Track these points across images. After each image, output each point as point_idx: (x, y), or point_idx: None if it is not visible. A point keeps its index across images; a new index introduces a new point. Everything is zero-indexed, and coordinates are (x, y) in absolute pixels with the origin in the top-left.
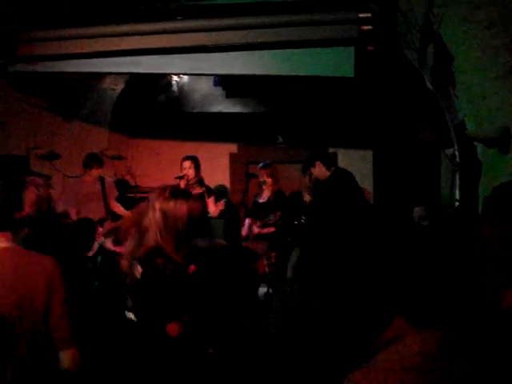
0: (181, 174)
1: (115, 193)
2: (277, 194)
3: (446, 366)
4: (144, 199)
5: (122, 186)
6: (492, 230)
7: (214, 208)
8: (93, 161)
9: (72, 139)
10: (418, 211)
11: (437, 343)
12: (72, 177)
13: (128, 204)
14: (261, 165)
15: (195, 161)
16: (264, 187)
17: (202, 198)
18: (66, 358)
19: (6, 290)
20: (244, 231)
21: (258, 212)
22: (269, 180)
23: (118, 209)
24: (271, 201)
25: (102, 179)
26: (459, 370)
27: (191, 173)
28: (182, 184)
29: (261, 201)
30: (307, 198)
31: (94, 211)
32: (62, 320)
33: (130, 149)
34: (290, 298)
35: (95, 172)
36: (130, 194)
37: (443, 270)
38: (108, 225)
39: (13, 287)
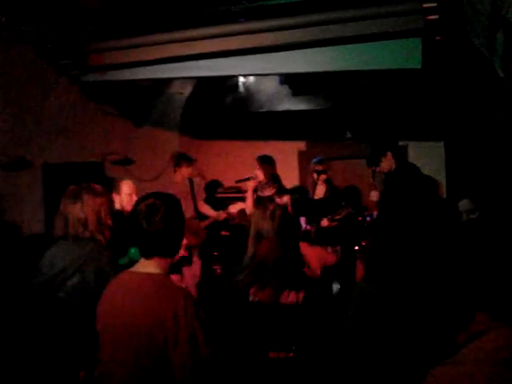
0: (240, 178)
1: (203, 194)
2: (330, 190)
3: None
4: (232, 199)
5: (211, 187)
6: None
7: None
8: (183, 159)
9: (144, 144)
10: (463, 205)
11: None
12: (146, 181)
13: (217, 205)
14: (314, 160)
15: (263, 161)
16: (318, 183)
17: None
18: None
19: None
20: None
21: (312, 210)
22: (322, 176)
23: (206, 210)
24: (325, 198)
25: (190, 180)
26: None
27: (260, 173)
28: (251, 185)
29: (315, 197)
30: (374, 195)
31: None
32: None
33: (200, 151)
34: (368, 296)
35: (185, 171)
36: (221, 194)
37: None
38: None
39: None
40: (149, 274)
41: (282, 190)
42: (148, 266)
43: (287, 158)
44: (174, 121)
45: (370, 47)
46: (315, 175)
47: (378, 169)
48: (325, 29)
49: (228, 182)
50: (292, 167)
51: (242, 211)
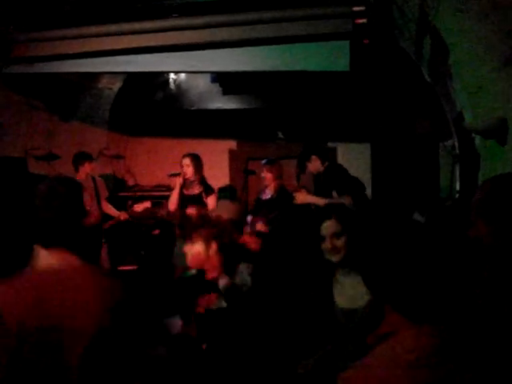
0: (175, 172)
1: (106, 193)
2: (280, 191)
3: (442, 361)
4: (143, 198)
5: (118, 185)
6: (488, 229)
7: (212, 207)
8: (84, 157)
9: (70, 139)
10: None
11: (431, 339)
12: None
13: (121, 204)
14: (264, 161)
15: (195, 159)
16: (266, 184)
17: (199, 199)
18: None
19: None
20: (247, 228)
21: (261, 209)
22: (269, 176)
23: (109, 209)
24: (274, 198)
25: (93, 178)
26: (454, 364)
27: (190, 171)
28: (178, 182)
29: (264, 197)
30: (299, 198)
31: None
32: None
33: (129, 147)
34: None
35: (88, 168)
36: (128, 193)
37: (438, 264)
38: None
39: None
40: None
41: (208, 189)
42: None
43: (218, 156)
44: (103, 116)
45: (299, 48)
46: (263, 175)
47: (306, 171)
48: (255, 28)
49: (157, 180)
50: (222, 166)
51: (147, 210)
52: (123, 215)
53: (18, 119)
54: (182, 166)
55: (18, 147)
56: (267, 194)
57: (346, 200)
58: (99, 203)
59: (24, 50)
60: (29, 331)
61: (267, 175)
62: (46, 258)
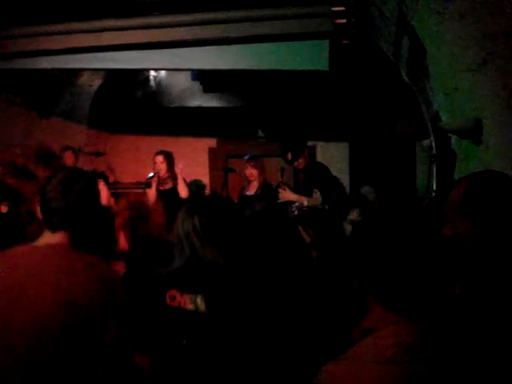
0: (151, 174)
1: None
2: (264, 187)
3: (422, 356)
4: (123, 195)
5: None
6: (470, 228)
7: (185, 192)
8: (68, 149)
9: (50, 136)
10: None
11: (412, 334)
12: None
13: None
14: (246, 157)
15: (168, 156)
16: (251, 180)
17: (173, 192)
18: None
19: None
20: None
21: (245, 205)
22: (254, 172)
23: None
24: (258, 194)
25: None
26: (435, 360)
27: (163, 167)
28: (154, 181)
29: (248, 193)
30: (284, 194)
31: None
32: None
33: (109, 144)
34: None
35: (70, 160)
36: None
37: (418, 257)
38: None
39: None
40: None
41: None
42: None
43: (198, 154)
44: (82, 113)
45: (279, 47)
46: (246, 172)
47: (295, 164)
48: (235, 26)
49: (138, 177)
50: (202, 164)
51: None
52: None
53: None
54: (155, 163)
55: None
56: (251, 190)
57: (317, 198)
58: None
59: (4, 46)
60: None
61: (253, 171)
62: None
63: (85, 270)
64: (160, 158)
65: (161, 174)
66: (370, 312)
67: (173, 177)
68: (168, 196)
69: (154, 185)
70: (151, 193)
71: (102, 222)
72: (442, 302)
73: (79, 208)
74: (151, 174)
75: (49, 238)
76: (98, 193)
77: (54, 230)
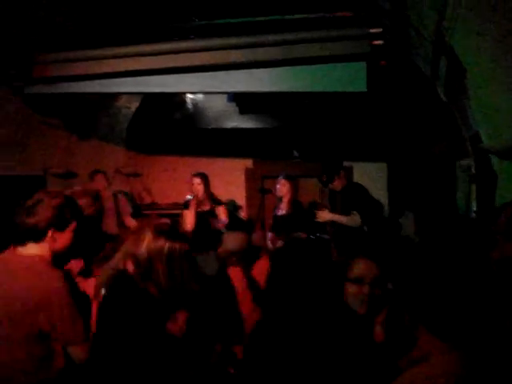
0: (189, 196)
1: (129, 209)
2: (294, 205)
3: None
4: (162, 216)
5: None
6: None
7: (224, 217)
8: (95, 174)
9: (88, 158)
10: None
11: (461, 364)
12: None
13: None
14: (280, 175)
15: (204, 177)
16: (280, 196)
17: (210, 214)
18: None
19: None
20: (268, 245)
21: (278, 225)
22: (284, 189)
23: (133, 225)
24: (290, 213)
25: (114, 195)
26: None
27: (201, 189)
28: (193, 203)
29: (279, 213)
30: (322, 216)
31: (108, 227)
32: None
33: (146, 166)
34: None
35: (100, 185)
36: (146, 211)
37: (467, 284)
38: None
39: None
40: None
41: (218, 203)
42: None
43: (234, 175)
44: (120, 135)
45: (317, 69)
46: (277, 191)
47: (331, 187)
48: (272, 50)
49: (174, 198)
50: (239, 185)
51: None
52: None
53: (38, 138)
54: (192, 185)
55: (38, 165)
56: (282, 210)
57: (356, 219)
58: (118, 219)
59: (45, 71)
60: None
61: (282, 188)
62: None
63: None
64: (197, 180)
65: (198, 196)
66: (419, 341)
67: (210, 198)
68: (206, 218)
69: (192, 207)
70: (190, 215)
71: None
72: (490, 329)
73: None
74: (189, 197)
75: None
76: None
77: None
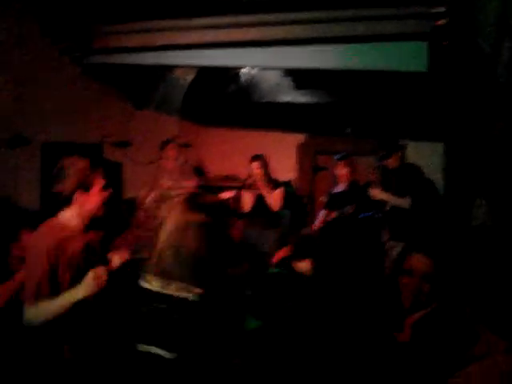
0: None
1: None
2: (352, 185)
3: None
4: (212, 188)
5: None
6: None
7: (276, 201)
8: (170, 143)
9: (143, 127)
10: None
11: None
12: (144, 164)
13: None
14: (337, 157)
15: (263, 161)
16: (341, 180)
17: (268, 196)
18: None
19: None
20: (318, 222)
21: (334, 203)
22: (345, 171)
23: None
24: (347, 191)
25: (182, 165)
26: None
27: (260, 173)
28: (252, 187)
29: (336, 191)
30: (375, 193)
31: None
32: None
33: (199, 137)
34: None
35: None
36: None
37: None
38: None
39: None
40: None
41: (276, 185)
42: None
43: (286, 150)
44: (175, 105)
45: (377, 48)
46: (336, 171)
47: (385, 164)
48: (331, 26)
49: (225, 170)
50: (290, 158)
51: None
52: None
53: (95, 106)
54: (252, 169)
55: (95, 133)
56: (339, 188)
57: (407, 201)
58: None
59: (104, 42)
60: None
61: (343, 171)
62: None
63: None
64: (256, 164)
65: (257, 180)
66: (482, 336)
67: (269, 181)
68: (264, 199)
69: (250, 189)
70: (248, 196)
71: None
72: None
73: None
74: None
75: None
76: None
77: None
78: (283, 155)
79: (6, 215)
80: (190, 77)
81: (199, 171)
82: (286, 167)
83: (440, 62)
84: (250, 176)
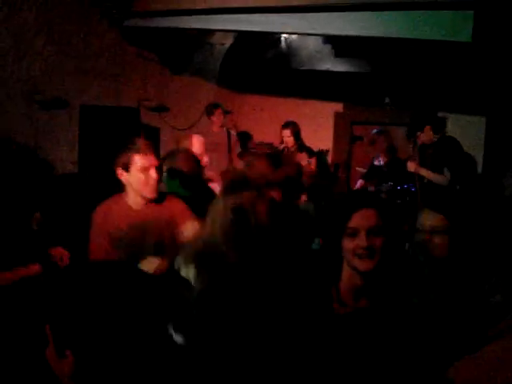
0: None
1: (238, 148)
2: (392, 161)
3: None
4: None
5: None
6: None
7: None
8: (216, 108)
9: (180, 92)
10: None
11: None
12: (181, 129)
13: None
14: (374, 131)
15: (295, 129)
16: (379, 154)
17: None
18: None
19: None
20: None
21: (372, 175)
22: (384, 146)
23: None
24: (387, 163)
25: (228, 131)
26: None
27: (290, 141)
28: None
29: (376, 163)
30: (411, 166)
31: (219, 162)
32: None
33: (236, 103)
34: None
35: (218, 120)
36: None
37: None
38: None
39: None
40: None
41: (310, 153)
42: None
43: (323, 118)
44: (213, 71)
45: (420, 16)
46: (377, 145)
47: (418, 136)
48: None
49: (260, 137)
50: (327, 128)
51: None
52: None
53: (133, 71)
54: (283, 137)
55: (132, 98)
56: (381, 161)
57: (444, 178)
58: (231, 157)
59: (144, 5)
60: None
61: (382, 144)
62: None
63: None
64: (287, 132)
65: (289, 147)
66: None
67: (301, 149)
68: None
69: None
70: None
71: None
72: None
73: None
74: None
75: None
76: None
77: None
78: (320, 124)
79: (44, 176)
80: (228, 42)
81: (247, 136)
82: (322, 136)
83: (485, 32)
84: (281, 143)
